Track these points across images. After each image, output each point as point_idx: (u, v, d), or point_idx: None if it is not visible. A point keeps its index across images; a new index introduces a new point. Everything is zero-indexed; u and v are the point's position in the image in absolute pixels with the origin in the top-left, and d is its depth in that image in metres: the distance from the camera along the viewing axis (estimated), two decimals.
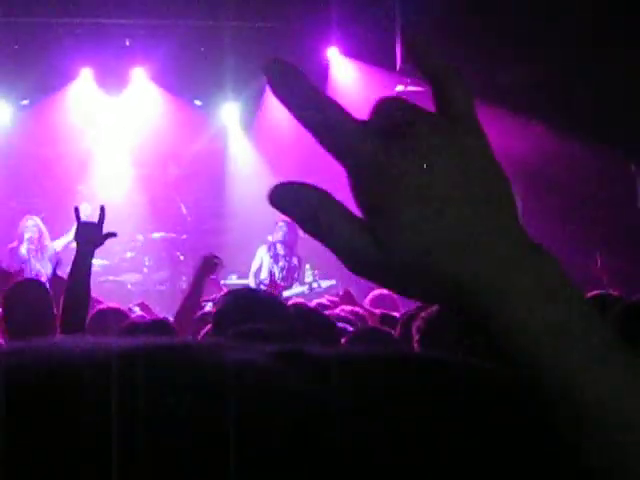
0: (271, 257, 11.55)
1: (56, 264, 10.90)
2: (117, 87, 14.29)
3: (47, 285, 10.61)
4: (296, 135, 14.62)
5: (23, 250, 11.08)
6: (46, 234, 11.38)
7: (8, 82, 13.63)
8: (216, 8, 12.44)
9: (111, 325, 5.00)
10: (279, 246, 11.55)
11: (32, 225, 11.26)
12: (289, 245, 11.54)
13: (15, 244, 11.24)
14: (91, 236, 4.92)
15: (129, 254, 14.05)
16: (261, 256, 11.59)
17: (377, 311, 6.58)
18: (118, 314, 5.62)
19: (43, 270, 10.93)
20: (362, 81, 13.58)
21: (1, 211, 14.33)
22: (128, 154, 14.98)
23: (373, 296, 7.49)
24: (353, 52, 13.60)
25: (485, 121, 0.81)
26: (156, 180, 15.00)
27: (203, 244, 14.46)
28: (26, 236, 11.13)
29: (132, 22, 13.10)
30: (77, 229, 5.06)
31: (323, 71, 13.75)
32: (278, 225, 11.56)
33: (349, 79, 13.80)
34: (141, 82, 14.50)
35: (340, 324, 4.83)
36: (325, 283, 11.89)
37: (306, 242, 11.91)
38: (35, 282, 5.72)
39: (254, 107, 14.65)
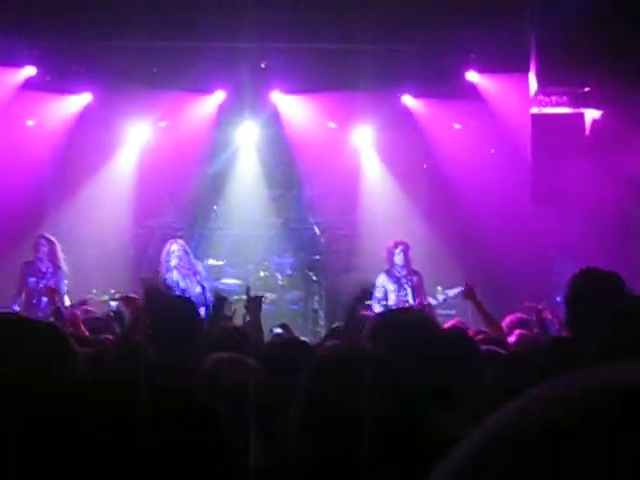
0: (394, 282, 11.54)
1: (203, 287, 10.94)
2: (251, 109, 14.44)
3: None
4: (428, 158, 14.59)
5: (175, 276, 11.18)
6: (191, 254, 11.51)
7: (147, 104, 13.94)
8: (349, 31, 12.48)
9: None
10: (399, 269, 11.54)
11: (178, 250, 11.32)
12: (406, 266, 11.54)
13: (164, 271, 11.25)
14: None
15: (262, 273, 14.20)
16: (383, 284, 11.57)
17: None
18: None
19: (196, 290, 10.97)
20: (505, 100, 13.47)
21: (138, 230, 14.64)
22: (262, 175, 15.14)
23: (510, 319, 7.44)
24: (489, 72, 13.47)
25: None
26: (289, 201, 15.13)
27: (335, 265, 14.52)
28: (173, 262, 11.21)
29: (267, 45, 13.24)
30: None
31: (462, 92, 13.66)
32: (393, 250, 11.57)
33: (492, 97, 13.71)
34: (275, 104, 14.66)
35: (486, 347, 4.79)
36: (452, 291, 11.83)
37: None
38: (184, 299, 5.85)
39: (387, 130, 14.64)
